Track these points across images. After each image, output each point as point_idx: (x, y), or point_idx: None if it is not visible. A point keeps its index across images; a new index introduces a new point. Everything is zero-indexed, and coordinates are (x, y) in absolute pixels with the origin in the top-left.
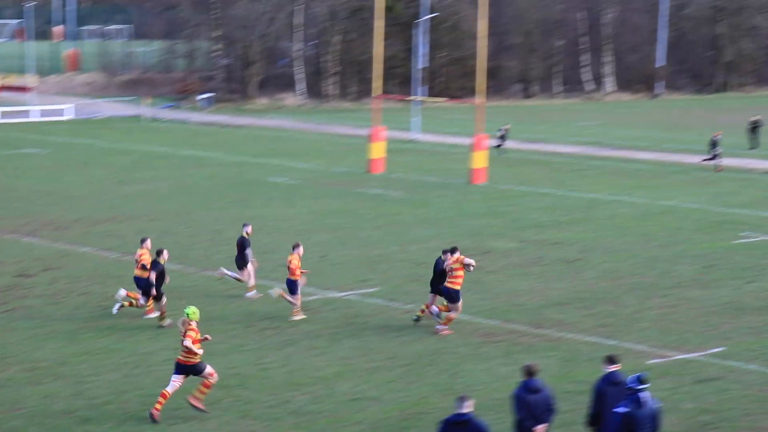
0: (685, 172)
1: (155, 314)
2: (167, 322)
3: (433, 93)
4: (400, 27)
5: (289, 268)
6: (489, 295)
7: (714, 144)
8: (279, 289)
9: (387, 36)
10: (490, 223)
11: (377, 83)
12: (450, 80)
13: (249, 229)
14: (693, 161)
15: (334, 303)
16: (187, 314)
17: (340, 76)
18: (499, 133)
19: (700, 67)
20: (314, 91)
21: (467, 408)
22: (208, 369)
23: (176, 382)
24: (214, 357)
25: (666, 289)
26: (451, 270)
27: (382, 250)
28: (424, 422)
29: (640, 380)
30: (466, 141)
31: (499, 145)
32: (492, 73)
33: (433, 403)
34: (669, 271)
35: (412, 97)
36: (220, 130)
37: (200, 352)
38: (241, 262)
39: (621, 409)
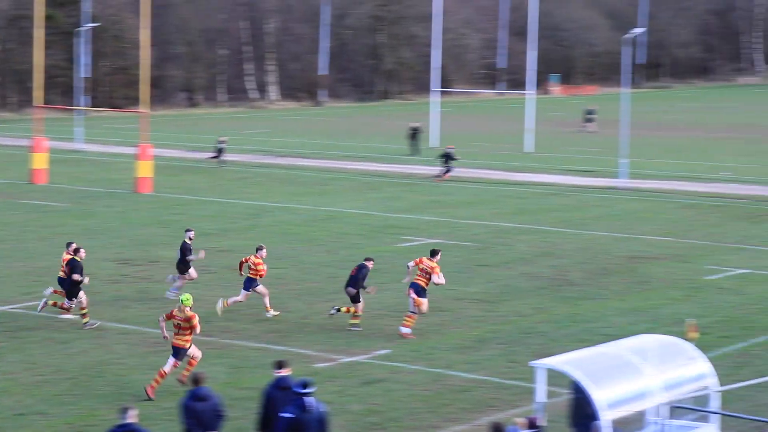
0: (348, 179)
1: (71, 315)
2: (90, 322)
3: (96, 103)
4: (62, 36)
5: (251, 268)
6: (158, 304)
7: (447, 157)
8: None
9: (48, 45)
10: (157, 233)
11: (38, 93)
12: (114, 90)
13: (191, 234)
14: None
15: None
16: (182, 301)
17: None
18: (217, 146)
19: (362, 76)
20: None
21: (131, 418)
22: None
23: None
24: None
25: (332, 294)
26: (426, 272)
27: (47, 262)
28: None
29: (304, 385)
30: (130, 150)
31: (215, 157)
32: (156, 82)
33: (101, 415)
34: (335, 276)
35: (74, 107)
36: None
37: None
38: (182, 267)
39: (287, 415)
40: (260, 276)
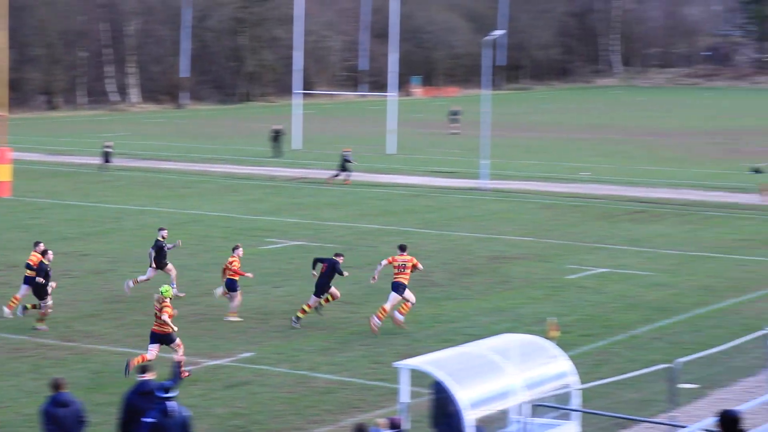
0: (210, 182)
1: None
2: (43, 327)
3: None
4: None
5: (228, 269)
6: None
7: (345, 160)
8: (222, 289)
9: None
10: (16, 237)
11: None
12: None
13: (164, 233)
14: (318, 177)
15: None
16: (162, 292)
17: None
18: (104, 150)
19: (224, 78)
20: None
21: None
22: (177, 341)
23: (153, 350)
24: None
25: (195, 297)
26: (404, 267)
27: None
28: None
29: (165, 389)
30: None
31: (105, 162)
32: (14, 85)
33: None
34: (198, 279)
35: None
36: None
37: (176, 328)
38: (159, 264)
39: (149, 419)
40: (233, 272)
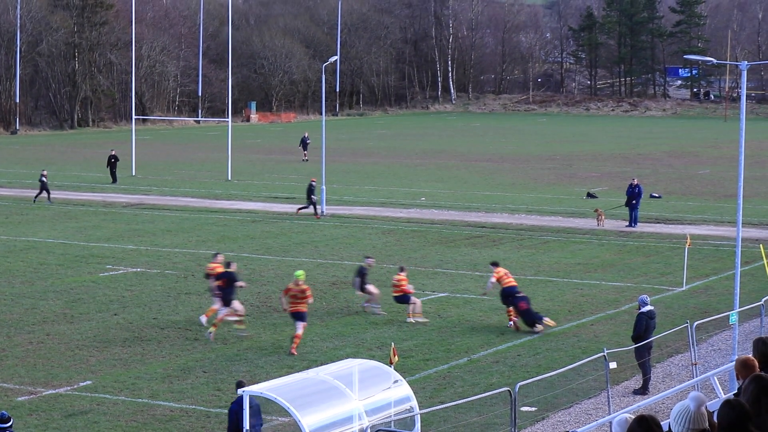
0: (46, 208)
1: None
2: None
3: None
4: None
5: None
6: None
7: (311, 190)
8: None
9: None
10: None
11: None
12: None
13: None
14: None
15: None
16: (297, 276)
17: None
18: (40, 180)
19: (59, 104)
20: None
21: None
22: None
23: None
24: None
25: (32, 325)
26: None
27: None
28: None
29: (2, 420)
30: None
31: (42, 191)
32: None
33: None
34: (35, 307)
35: None
36: None
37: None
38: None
39: None
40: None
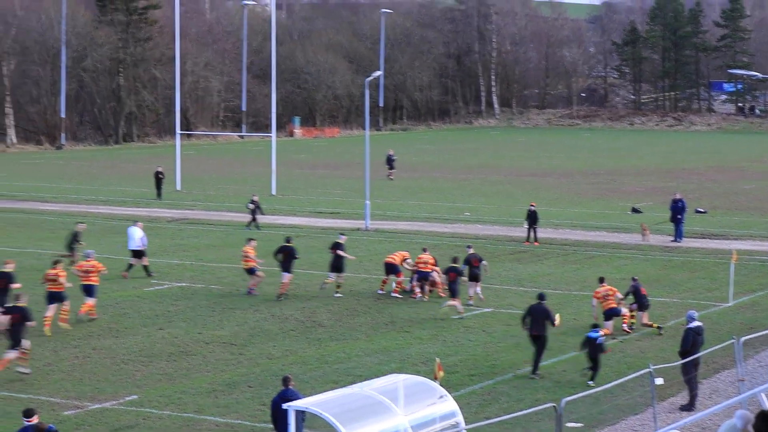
0: (91, 222)
1: None
2: None
3: None
4: None
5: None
6: None
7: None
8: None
9: None
10: None
11: None
12: None
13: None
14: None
15: None
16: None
17: None
18: None
19: (103, 119)
20: None
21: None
22: None
23: None
24: None
25: (78, 340)
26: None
27: None
28: None
29: None
30: None
31: None
32: None
33: None
34: (81, 321)
35: None
36: None
37: None
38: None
39: None
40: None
